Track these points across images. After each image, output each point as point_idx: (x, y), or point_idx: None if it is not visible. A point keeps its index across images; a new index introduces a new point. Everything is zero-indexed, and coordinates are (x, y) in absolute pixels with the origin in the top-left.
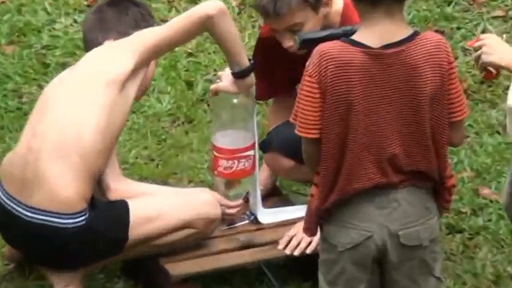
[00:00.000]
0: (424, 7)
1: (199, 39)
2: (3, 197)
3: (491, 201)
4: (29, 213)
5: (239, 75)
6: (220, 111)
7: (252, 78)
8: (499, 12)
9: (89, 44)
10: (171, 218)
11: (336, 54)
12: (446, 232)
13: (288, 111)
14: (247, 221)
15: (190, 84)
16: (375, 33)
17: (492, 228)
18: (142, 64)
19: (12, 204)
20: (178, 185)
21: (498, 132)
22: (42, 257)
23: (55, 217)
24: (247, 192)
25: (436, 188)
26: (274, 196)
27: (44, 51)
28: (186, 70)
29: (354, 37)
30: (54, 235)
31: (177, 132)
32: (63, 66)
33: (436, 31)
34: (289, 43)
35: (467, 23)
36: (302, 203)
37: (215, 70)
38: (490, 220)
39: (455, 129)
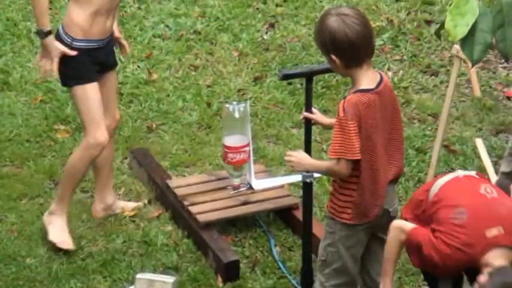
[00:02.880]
0: None
1: (214, 77)
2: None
3: None
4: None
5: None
6: (227, 123)
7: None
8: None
9: None
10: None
11: (363, 101)
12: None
13: None
14: (245, 188)
15: (209, 105)
16: (368, 80)
17: None
18: None
19: None
20: (203, 167)
21: None
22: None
23: None
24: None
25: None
26: (262, 172)
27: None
28: (207, 96)
29: (362, 87)
30: None
31: (202, 134)
32: None
33: None
34: None
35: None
36: (281, 175)
37: (224, 97)
38: None
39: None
